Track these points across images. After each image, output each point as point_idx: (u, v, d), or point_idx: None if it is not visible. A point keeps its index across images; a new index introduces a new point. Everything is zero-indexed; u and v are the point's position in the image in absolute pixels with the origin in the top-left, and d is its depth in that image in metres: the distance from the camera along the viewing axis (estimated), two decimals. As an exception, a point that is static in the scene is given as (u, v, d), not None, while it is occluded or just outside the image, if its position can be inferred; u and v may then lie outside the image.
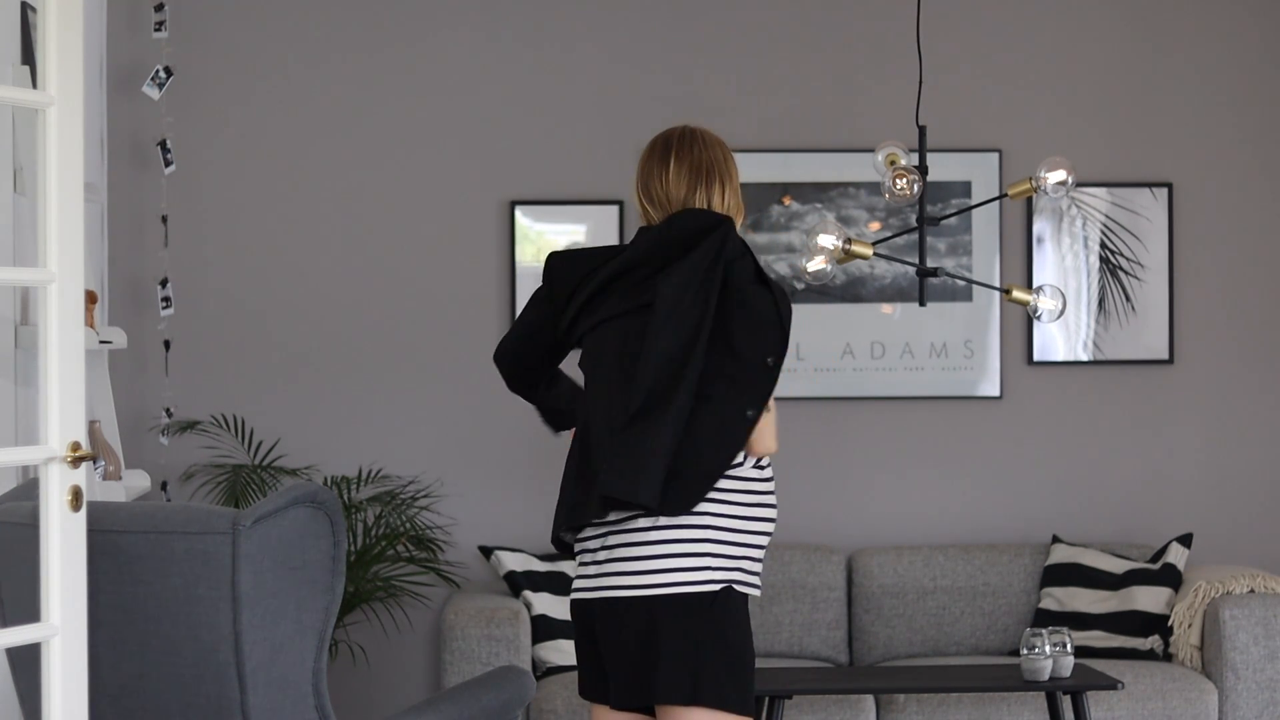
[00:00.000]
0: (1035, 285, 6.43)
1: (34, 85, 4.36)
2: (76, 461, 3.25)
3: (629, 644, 3.73)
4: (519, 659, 5.84)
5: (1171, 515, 6.70)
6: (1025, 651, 5.41)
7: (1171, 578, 6.28)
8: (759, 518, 3.77)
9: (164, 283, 6.41)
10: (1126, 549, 6.51)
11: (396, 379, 6.57)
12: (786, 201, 6.66)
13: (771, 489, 3.80)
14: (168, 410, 6.42)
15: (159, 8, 6.34)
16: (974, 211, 6.62)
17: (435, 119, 6.60)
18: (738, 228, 3.87)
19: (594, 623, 3.80)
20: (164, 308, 6.41)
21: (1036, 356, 6.72)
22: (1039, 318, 5.31)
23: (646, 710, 3.79)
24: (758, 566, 3.78)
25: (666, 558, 3.69)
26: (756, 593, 3.81)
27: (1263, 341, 6.78)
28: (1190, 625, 6.09)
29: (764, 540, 3.79)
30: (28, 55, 4.80)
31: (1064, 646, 5.42)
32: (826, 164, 6.65)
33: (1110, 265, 6.72)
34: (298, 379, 6.55)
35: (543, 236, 6.61)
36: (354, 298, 6.58)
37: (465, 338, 6.59)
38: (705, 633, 3.68)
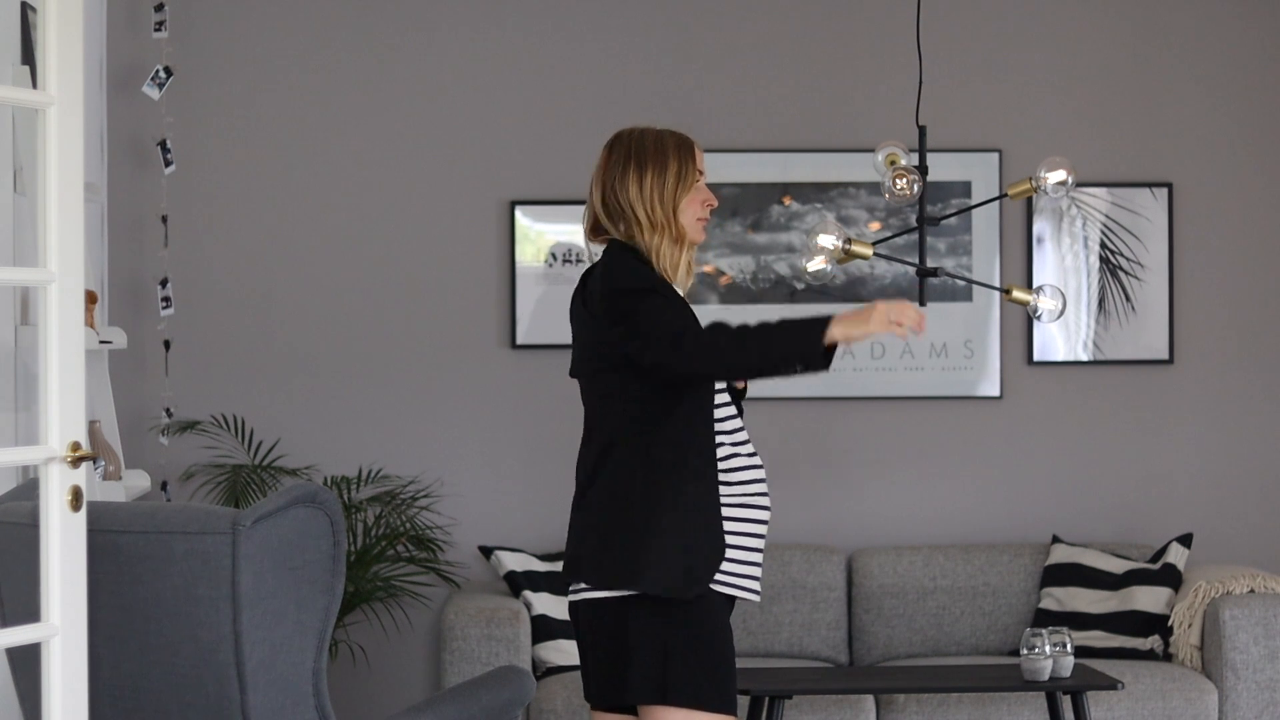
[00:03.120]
0: (1035, 285, 6.43)
1: (34, 85, 4.36)
2: (76, 461, 3.25)
3: (603, 643, 3.80)
4: (519, 659, 5.84)
5: (1171, 515, 6.70)
6: (1025, 651, 5.41)
7: (1171, 578, 6.28)
8: (735, 518, 3.79)
9: (164, 283, 6.41)
10: (1126, 549, 6.51)
11: (396, 379, 6.57)
12: (786, 201, 6.66)
13: (751, 490, 3.81)
14: (168, 410, 6.42)
15: (159, 8, 6.34)
16: (974, 211, 6.62)
17: (435, 119, 6.60)
18: (652, 211, 3.87)
19: (579, 623, 3.87)
20: (164, 308, 6.41)
21: (1036, 356, 6.73)
22: (1039, 318, 5.31)
23: (633, 711, 3.83)
24: (743, 569, 3.79)
25: None
26: (746, 595, 3.81)
27: (1263, 341, 6.78)
28: (1190, 625, 6.09)
29: (746, 540, 3.79)
30: (28, 55, 4.80)
31: (1064, 646, 5.42)
32: (826, 164, 6.65)
33: (1110, 265, 6.72)
34: (298, 379, 6.55)
35: (543, 236, 6.61)
36: (354, 298, 6.58)
37: (465, 338, 6.59)
38: (676, 631, 3.72)
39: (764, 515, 3.83)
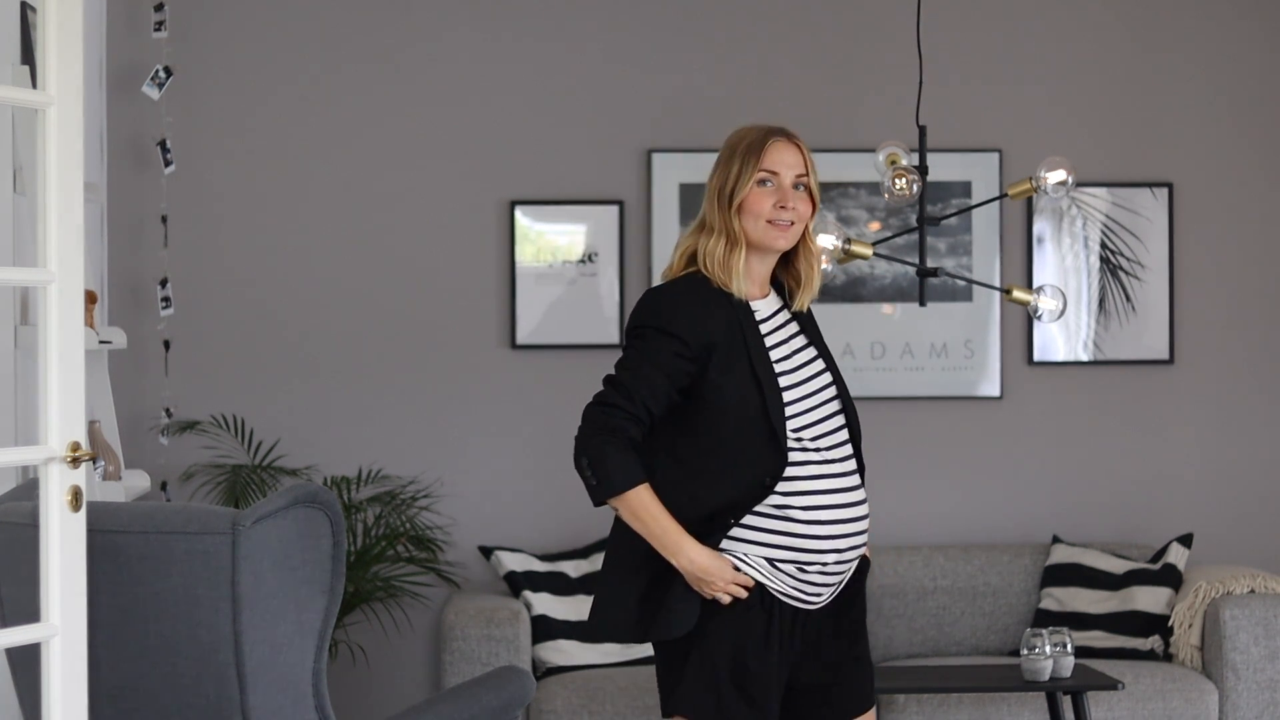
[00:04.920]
0: (1035, 285, 6.43)
1: (34, 85, 4.36)
2: (76, 461, 3.24)
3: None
4: (519, 659, 5.84)
5: (1171, 515, 6.70)
6: (1025, 652, 5.41)
7: (1172, 578, 6.27)
8: (755, 541, 3.72)
9: (164, 283, 6.41)
10: (1126, 549, 6.51)
11: (396, 379, 6.57)
12: (786, 201, 6.65)
13: (796, 517, 3.71)
14: (168, 410, 6.42)
15: (159, 8, 6.33)
16: (974, 211, 6.62)
17: (435, 119, 6.60)
18: (710, 211, 3.78)
19: None
20: (164, 308, 6.41)
21: (1036, 356, 6.72)
22: (1039, 318, 5.32)
23: None
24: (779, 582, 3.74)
25: None
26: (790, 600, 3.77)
27: (1263, 341, 6.78)
28: (1190, 625, 6.09)
29: (776, 558, 3.73)
30: (28, 55, 4.80)
31: (1064, 647, 5.42)
32: (826, 164, 6.59)
33: (1110, 265, 6.72)
34: (298, 379, 6.55)
35: (543, 237, 6.61)
36: (354, 297, 6.57)
37: (465, 338, 6.59)
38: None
39: (779, 540, 3.73)
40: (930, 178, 5.39)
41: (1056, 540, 6.54)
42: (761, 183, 3.72)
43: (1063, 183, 5.19)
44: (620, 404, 3.66)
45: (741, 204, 3.72)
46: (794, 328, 3.83)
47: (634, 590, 3.70)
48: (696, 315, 3.70)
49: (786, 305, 3.85)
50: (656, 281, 6.55)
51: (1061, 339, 6.73)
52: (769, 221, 3.72)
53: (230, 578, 3.52)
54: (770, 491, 3.67)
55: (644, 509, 3.64)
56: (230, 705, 3.55)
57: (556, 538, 6.52)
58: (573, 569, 6.28)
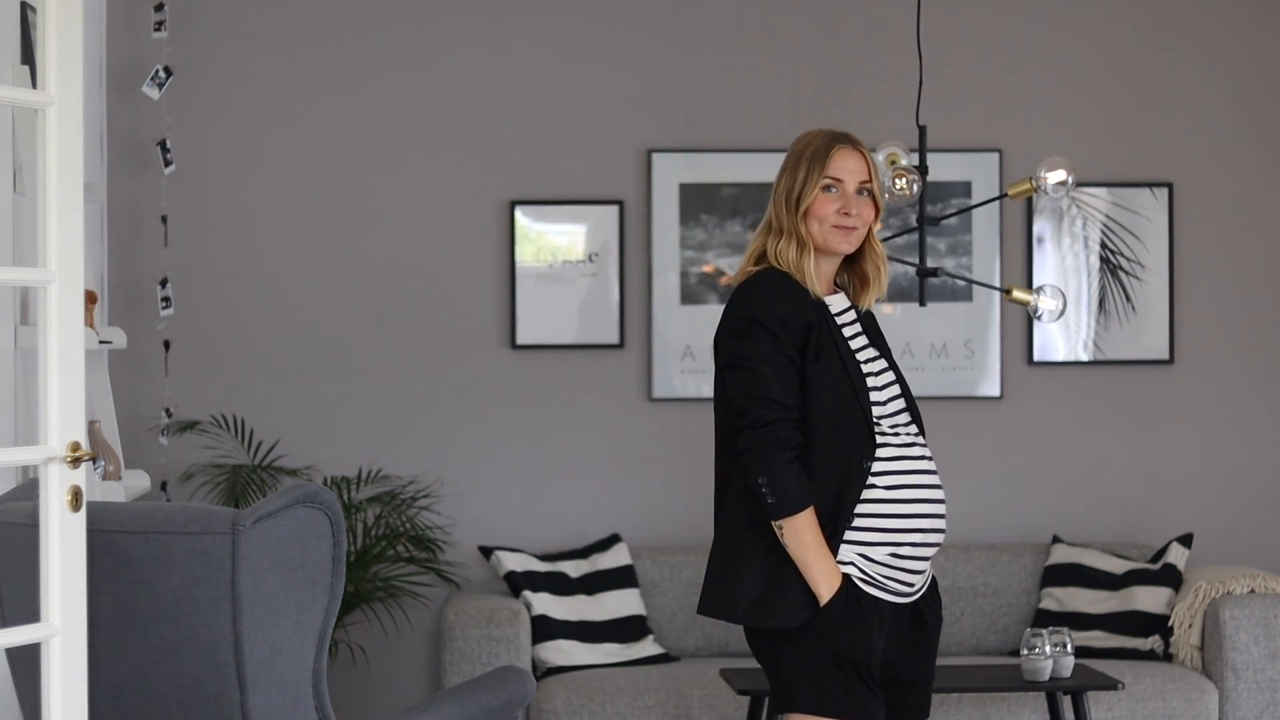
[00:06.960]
0: (1035, 285, 6.43)
1: (34, 85, 4.36)
2: (76, 461, 3.25)
3: None
4: (519, 659, 5.84)
5: (1171, 515, 6.70)
6: (1025, 652, 5.41)
7: (1172, 578, 6.27)
8: (862, 528, 3.86)
9: (164, 283, 6.41)
10: (1126, 549, 6.51)
11: (396, 379, 6.57)
12: (786, 201, 6.65)
13: (879, 497, 3.87)
14: (168, 410, 6.42)
15: (159, 8, 6.33)
16: (974, 211, 6.62)
17: (435, 119, 6.60)
18: (778, 215, 3.92)
19: None
20: (164, 308, 6.41)
21: (1036, 356, 6.72)
22: (1039, 318, 5.32)
23: None
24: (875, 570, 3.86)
25: None
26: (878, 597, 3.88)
27: (1263, 341, 6.78)
28: (1190, 625, 6.09)
29: (871, 550, 3.85)
30: (28, 55, 4.80)
31: (1064, 647, 5.42)
32: (826, 164, 6.63)
33: (1110, 265, 6.72)
34: (298, 379, 6.55)
35: (543, 236, 6.61)
36: (354, 297, 6.57)
37: (465, 338, 6.59)
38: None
39: (883, 523, 3.88)
40: (930, 178, 5.40)
41: (1056, 540, 6.54)
42: (826, 189, 3.89)
43: (1063, 183, 5.19)
44: (777, 417, 3.79)
45: (808, 209, 3.89)
46: (859, 326, 4.00)
47: (759, 579, 3.82)
48: (792, 303, 3.85)
49: (853, 305, 4.02)
50: (659, 281, 6.58)
51: (1061, 339, 6.73)
52: (834, 226, 3.89)
53: (230, 578, 3.52)
54: (869, 474, 3.83)
55: (809, 532, 3.78)
56: (230, 705, 3.55)
57: (556, 538, 6.52)
58: (573, 569, 6.28)
